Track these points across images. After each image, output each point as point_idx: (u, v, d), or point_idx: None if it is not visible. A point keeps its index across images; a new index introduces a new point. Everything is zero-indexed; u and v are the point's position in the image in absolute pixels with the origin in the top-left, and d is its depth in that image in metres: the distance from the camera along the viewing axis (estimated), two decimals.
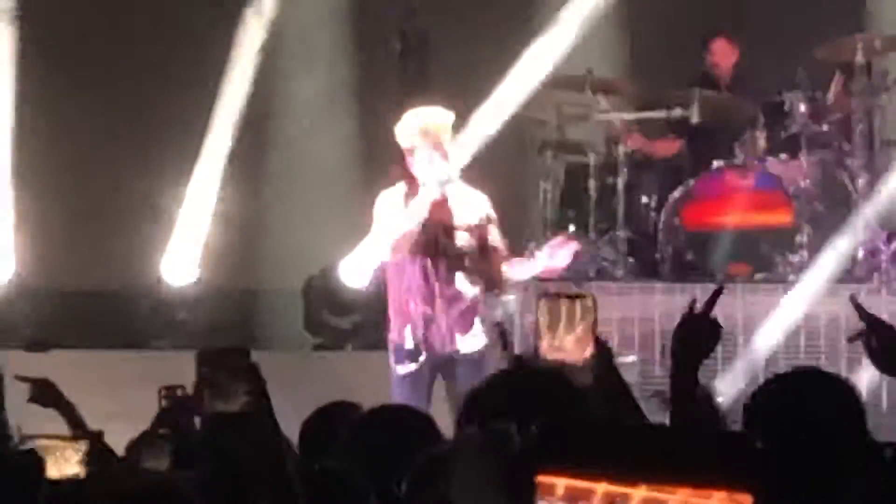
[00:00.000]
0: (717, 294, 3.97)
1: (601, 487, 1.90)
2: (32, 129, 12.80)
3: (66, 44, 13.23)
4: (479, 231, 8.66)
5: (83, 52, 13.28)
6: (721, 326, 3.94)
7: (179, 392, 5.55)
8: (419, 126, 8.66)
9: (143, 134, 12.92)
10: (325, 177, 12.94)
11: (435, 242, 8.67)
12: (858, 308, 4.17)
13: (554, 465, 1.95)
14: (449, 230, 8.75)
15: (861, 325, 4.15)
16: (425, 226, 8.52)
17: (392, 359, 8.50)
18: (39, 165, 12.90)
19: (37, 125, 12.85)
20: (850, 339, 4.50)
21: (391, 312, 8.62)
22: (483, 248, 8.69)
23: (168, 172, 12.64)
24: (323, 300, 11.26)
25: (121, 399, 8.19)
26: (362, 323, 10.87)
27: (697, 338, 3.88)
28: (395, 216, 8.66)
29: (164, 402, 5.60)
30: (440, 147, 8.56)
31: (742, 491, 1.88)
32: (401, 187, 8.65)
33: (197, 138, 12.57)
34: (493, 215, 8.79)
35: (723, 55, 11.63)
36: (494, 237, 8.71)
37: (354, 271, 10.75)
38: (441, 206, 8.63)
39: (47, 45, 13.06)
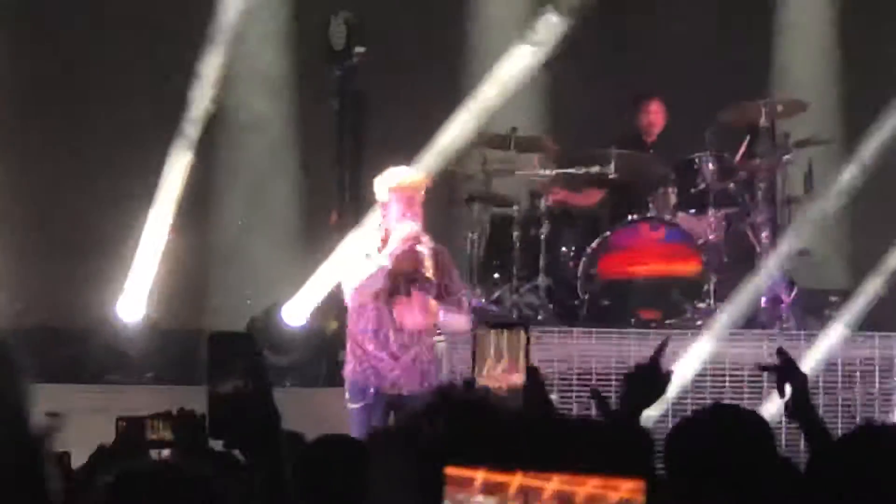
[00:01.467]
0: (664, 345, 4.34)
1: (516, 480, 1.97)
2: None
3: (31, 87, 13.35)
4: (438, 283, 9.03)
5: (46, 97, 13.46)
6: (670, 377, 4.22)
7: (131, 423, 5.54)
8: (394, 183, 8.95)
9: (99, 176, 13.08)
10: (269, 224, 13.18)
11: (397, 291, 8.98)
12: (782, 353, 4.46)
13: (465, 459, 2.02)
14: (412, 282, 9.06)
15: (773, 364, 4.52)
16: (390, 274, 8.83)
17: (346, 394, 8.85)
18: None
19: None
20: (762, 368, 5.09)
21: (348, 350, 8.91)
22: (449, 290, 9.11)
23: (122, 215, 12.62)
24: (264, 339, 10.94)
25: (78, 428, 8.22)
26: (300, 361, 10.98)
27: (646, 385, 4.14)
28: (364, 262, 8.95)
29: (120, 430, 5.55)
30: (412, 204, 8.91)
31: (638, 479, 1.97)
32: (375, 235, 8.97)
33: (152, 185, 12.48)
34: (452, 268, 9.29)
35: (657, 115, 11.95)
36: (455, 284, 9.21)
37: (296, 310, 10.98)
38: (407, 257, 8.93)
39: (9, 88, 13.12)
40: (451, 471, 2.00)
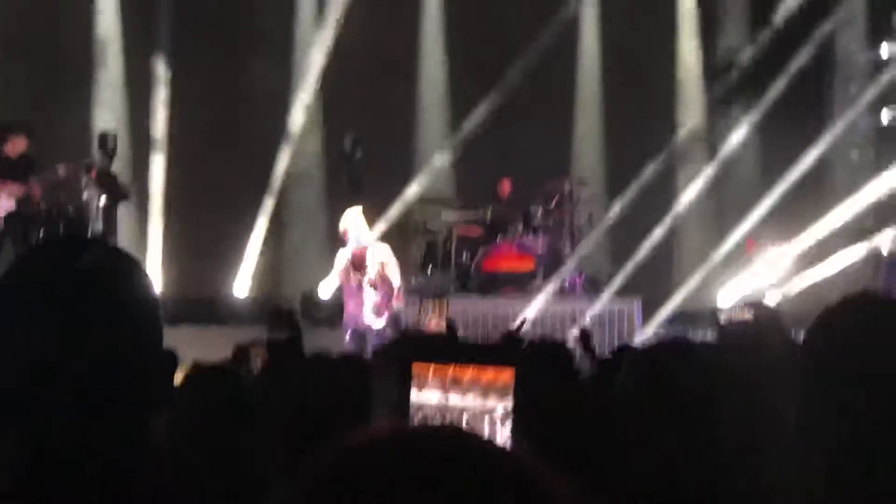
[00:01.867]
0: (585, 333, 7.89)
1: (450, 370, 2.56)
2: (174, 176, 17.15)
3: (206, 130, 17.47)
4: (380, 266, 12.78)
5: (202, 139, 17.51)
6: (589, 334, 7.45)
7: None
8: (344, 220, 13.08)
9: (232, 193, 17.58)
10: (312, 238, 18.01)
11: (355, 272, 12.81)
12: (584, 330, 8.01)
13: (422, 360, 2.66)
14: (361, 267, 12.81)
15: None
16: (350, 265, 12.82)
17: (344, 329, 12.82)
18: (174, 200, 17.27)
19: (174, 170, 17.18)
20: (580, 334, 8.07)
21: (345, 309, 13.01)
22: (381, 275, 12.74)
23: (241, 223, 17.41)
24: (310, 300, 15.87)
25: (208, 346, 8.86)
26: (331, 312, 15.01)
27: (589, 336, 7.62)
28: (339, 261, 12.90)
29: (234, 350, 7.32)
30: (353, 228, 12.84)
31: (509, 368, 2.62)
32: (345, 249, 12.86)
33: (257, 204, 17.32)
34: (389, 259, 13.02)
35: (507, 187, 16.70)
36: (391, 270, 12.89)
37: (324, 289, 15.30)
38: (358, 256, 12.71)
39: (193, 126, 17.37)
40: (415, 366, 2.68)
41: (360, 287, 12.91)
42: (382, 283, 12.82)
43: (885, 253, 16.26)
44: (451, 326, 10.30)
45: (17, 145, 14.90)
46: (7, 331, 1.90)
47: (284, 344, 5.86)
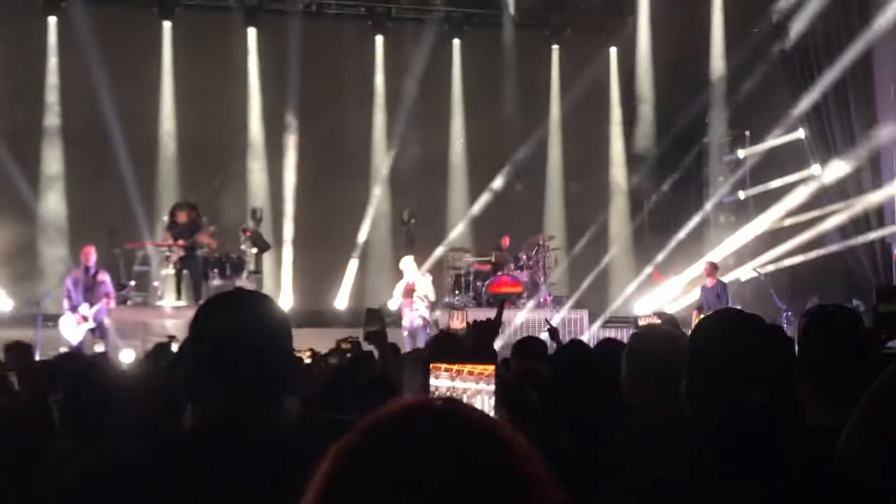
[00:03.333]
0: (553, 330, 7.99)
1: (456, 366, 2.53)
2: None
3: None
4: (424, 294, 14.53)
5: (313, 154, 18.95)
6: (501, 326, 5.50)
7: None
8: (403, 263, 15.13)
9: (333, 236, 19.12)
10: (386, 266, 19.39)
11: (408, 296, 14.63)
12: (551, 327, 8.16)
13: (437, 361, 2.58)
14: (412, 292, 14.58)
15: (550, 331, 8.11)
16: (406, 290, 14.76)
17: (403, 330, 14.44)
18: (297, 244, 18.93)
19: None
20: (550, 328, 8.29)
21: (402, 318, 14.65)
22: (426, 297, 14.55)
23: (340, 253, 19.09)
24: (383, 310, 15.05)
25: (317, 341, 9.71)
26: (396, 318, 15.26)
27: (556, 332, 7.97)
28: (399, 288, 14.91)
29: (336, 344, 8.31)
30: (408, 269, 14.95)
31: (492, 364, 2.62)
32: (402, 281, 14.84)
33: (353, 241, 19.09)
34: (430, 287, 14.76)
35: (506, 241, 18.12)
36: (431, 294, 14.64)
37: (391, 304, 15.80)
38: (410, 286, 14.65)
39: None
40: (432, 365, 2.58)
41: (412, 304, 14.72)
42: (426, 301, 14.70)
43: (742, 280, 17.85)
44: (468, 325, 10.61)
45: (182, 216, 16.69)
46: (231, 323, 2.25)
47: (375, 333, 5.60)
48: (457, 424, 1.23)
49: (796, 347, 3.18)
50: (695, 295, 17.08)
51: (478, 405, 2.48)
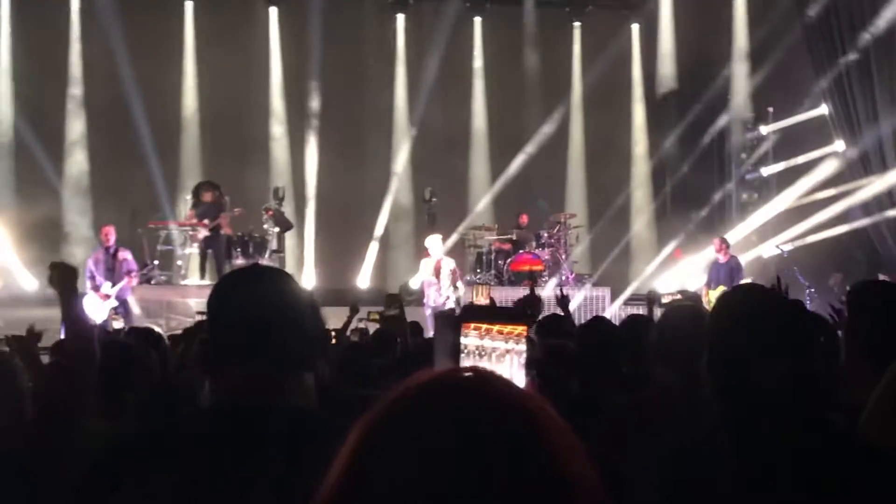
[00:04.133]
0: (563, 296, 7.30)
1: (484, 325, 2.50)
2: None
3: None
4: (449, 269, 14.16)
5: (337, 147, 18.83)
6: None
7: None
8: (428, 241, 14.63)
9: (356, 216, 19.25)
10: (409, 251, 19.78)
11: (434, 273, 14.20)
12: (562, 294, 7.51)
13: (467, 320, 2.59)
14: (438, 270, 14.16)
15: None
16: (433, 269, 14.24)
17: (426, 307, 14.13)
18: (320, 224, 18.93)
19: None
20: (560, 296, 7.51)
21: (425, 295, 14.33)
22: (452, 276, 14.11)
23: (363, 233, 19.07)
24: (405, 289, 16.32)
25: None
26: (418, 297, 15.37)
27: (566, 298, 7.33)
28: (425, 266, 14.40)
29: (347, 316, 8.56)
30: (433, 247, 14.44)
31: (522, 324, 2.55)
32: (428, 259, 14.35)
33: (374, 222, 18.99)
34: (453, 265, 14.31)
35: (525, 218, 18.25)
36: (454, 271, 14.13)
37: (414, 282, 16.30)
38: (436, 263, 14.16)
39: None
40: (463, 324, 2.59)
41: (438, 281, 14.49)
42: (451, 278, 14.47)
43: (765, 257, 17.82)
44: (491, 300, 11.02)
45: (207, 196, 16.70)
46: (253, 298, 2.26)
47: (394, 316, 6.00)
48: (484, 396, 1.21)
49: (837, 322, 3.34)
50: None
51: (506, 365, 2.49)
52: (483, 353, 2.55)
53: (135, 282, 15.15)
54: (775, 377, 2.39)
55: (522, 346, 2.57)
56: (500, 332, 2.54)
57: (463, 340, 2.51)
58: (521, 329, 2.58)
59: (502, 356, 2.52)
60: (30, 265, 16.91)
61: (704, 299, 14.31)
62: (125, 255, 15.08)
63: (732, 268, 15.62)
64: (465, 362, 2.45)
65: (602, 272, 18.89)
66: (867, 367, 2.97)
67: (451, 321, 2.61)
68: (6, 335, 5.36)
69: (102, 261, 14.89)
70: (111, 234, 15.01)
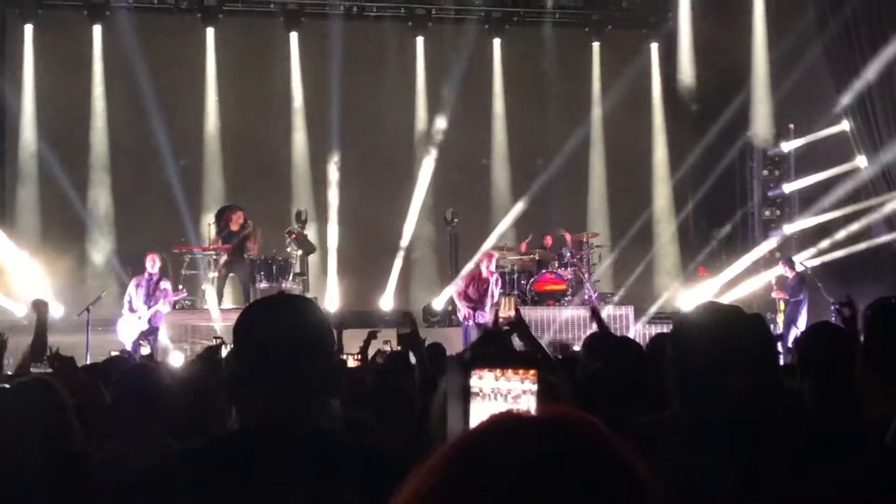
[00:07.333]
0: (594, 310, 8.32)
1: (496, 372, 2.45)
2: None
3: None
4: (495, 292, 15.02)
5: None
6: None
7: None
8: (478, 257, 15.83)
9: (378, 241, 19.08)
10: (428, 272, 20.03)
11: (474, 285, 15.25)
12: (594, 310, 8.44)
13: (477, 366, 2.49)
14: (478, 281, 15.07)
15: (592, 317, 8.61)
16: (469, 276, 15.35)
17: (464, 320, 15.03)
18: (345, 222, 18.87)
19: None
20: (593, 312, 8.32)
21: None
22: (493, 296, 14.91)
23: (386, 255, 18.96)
24: (429, 310, 17.79)
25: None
26: (442, 318, 17.55)
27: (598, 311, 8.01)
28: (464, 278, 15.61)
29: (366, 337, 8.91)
30: (487, 263, 15.28)
31: (533, 369, 2.52)
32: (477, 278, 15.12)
33: (397, 244, 18.98)
34: (497, 287, 14.99)
35: (549, 239, 18.29)
36: (494, 293, 14.93)
37: (438, 302, 17.69)
38: (485, 281, 15.03)
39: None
40: (475, 369, 2.51)
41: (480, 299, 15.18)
42: (491, 299, 15.17)
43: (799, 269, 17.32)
44: (517, 310, 9.63)
45: (230, 220, 16.82)
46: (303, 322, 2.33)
47: (408, 335, 5.99)
48: (561, 437, 1.16)
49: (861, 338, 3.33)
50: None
51: (523, 405, 2.48)
52: (499, 394, 2.56)
53: (167, 308, 15.31)
54: (735, 388, 2.46)
55: (535, 387, 2.58)
56: (515, 374, 2.55)
57: (477, 383, 2.52)
58: (531, 372, 2.59)
59: (518, 397, 2.54)
60: (56, 293, 16.95)
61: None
62: (165, 284, 15.34)
63: (793, 286, 16.43)
64: (480, 405, 2.46)
65: (625, 291, 18.92)
66: (878, 378, 3.10)
67: (462, 365, 2.60)
68: (49, 355, 5.42)
69: (143, 286, 15.14)
70: (155, 262, 15.25)
